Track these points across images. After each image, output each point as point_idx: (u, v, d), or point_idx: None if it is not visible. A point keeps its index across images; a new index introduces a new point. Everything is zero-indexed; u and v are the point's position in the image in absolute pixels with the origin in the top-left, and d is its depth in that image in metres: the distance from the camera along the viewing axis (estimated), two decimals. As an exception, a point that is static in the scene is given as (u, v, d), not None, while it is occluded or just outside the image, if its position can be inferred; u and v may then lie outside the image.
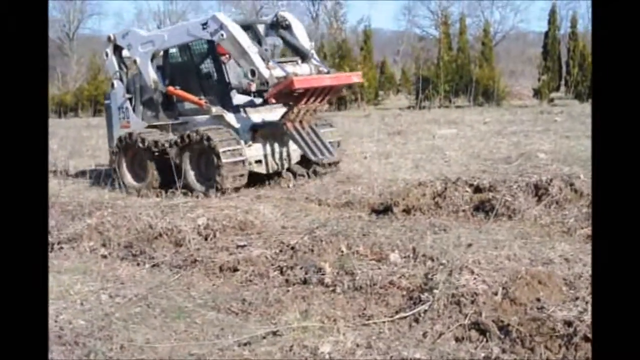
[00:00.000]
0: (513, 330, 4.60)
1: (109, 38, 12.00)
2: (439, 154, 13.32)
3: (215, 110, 10.68)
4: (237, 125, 10.62)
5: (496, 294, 5.11)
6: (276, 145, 10.87)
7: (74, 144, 17.42)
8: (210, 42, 10.73)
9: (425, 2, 60.14)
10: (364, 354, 4.57)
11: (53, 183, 11.10)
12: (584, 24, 33.48)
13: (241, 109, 10.83)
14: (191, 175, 10.51)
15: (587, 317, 4.47)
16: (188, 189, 10.33)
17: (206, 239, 7.44)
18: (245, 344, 4.86)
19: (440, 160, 12.57)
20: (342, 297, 5.64)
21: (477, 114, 21.85)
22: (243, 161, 10.21)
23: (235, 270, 6.47)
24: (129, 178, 11.28)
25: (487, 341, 4.63)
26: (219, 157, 9.98)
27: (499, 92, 26.65)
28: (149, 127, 11.35)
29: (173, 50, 11.48)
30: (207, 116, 10.81)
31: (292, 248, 6.71)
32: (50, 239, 7.78)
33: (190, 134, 10.34)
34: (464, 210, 8.10)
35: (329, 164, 10.98)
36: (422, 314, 5.05)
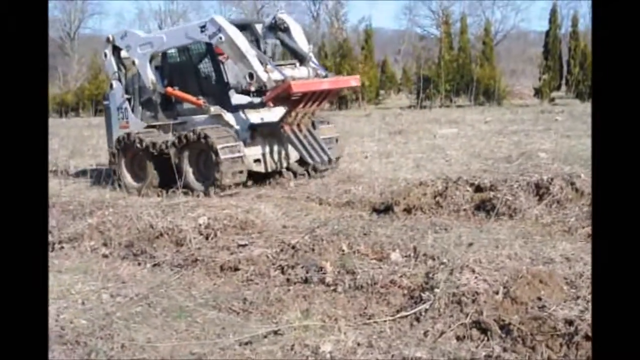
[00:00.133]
0: (514, 329, 4.59)
1: (107, 39, 12.03)
2: (439, 154, 13.32)
3: (214, 109, 10.70)
4: (235, 125, 10.63)
5: (497, 293, 5.11)
6: (275, 145, 10.88)
7: (75, 143, 17.43)
8: (209, 43, 10.74)
9: (426, 2, 60.10)
10: (365, 353, 4.57)
11: (54, 182, 11.11)
12: (585, 23, 33.46)
13: (240, 109, 10.84)
14: (190, 174, 10.51)
15: (588, 316, 4.47)
16: (188, 188, 10.33)
17: (207, 239, 7.44)
18: (246, 343, 4.86)
19: (441, 160, 12.58)
20: (343, 296, 5.64)
21: (478, 114, 21.87)
22: (242, 157, 10.22)
23: (236, 269, 6.47)
24: (128, 178, 11.29)
25: (488, 340, 4.62)
26: (217, 154, 9.99)
27: (500, 92, 26.68)
28: (148, 127, 11.36)
29: (172, 51, 11.50)
30: (205, 116, 10.83)
31: (293, 247, 6.71)
32: (51, 239, 7.79)
33: (188, 133, 10.35)
34: (464, 210, 8.10)
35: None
36: (423, 313, 5.05)
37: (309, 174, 11.04)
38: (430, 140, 15.70)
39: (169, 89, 11.24)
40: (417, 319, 5.03)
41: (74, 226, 8.11)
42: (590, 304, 4.69)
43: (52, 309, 5.62)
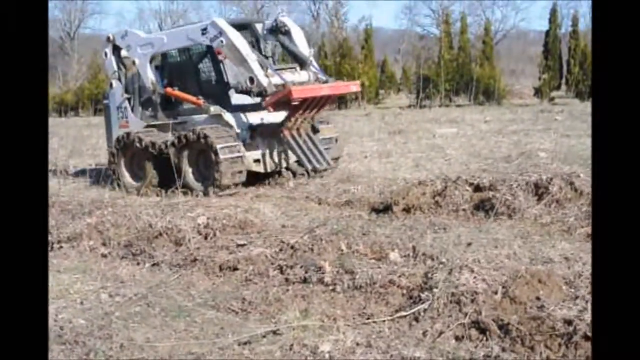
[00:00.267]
0: (513, 329, 4.59)
1: (108, 38, 12.02)
2: (439, 153, 13.32)
3: (214, 109, 10.70)
4: (235, 125, 10.62)
5: (496, 292, 5.11)
6: (274, 145, 10.87)
7: (75, 143, 17.44)
8: None
9: (427, 2, 60.10)
10: (364, 352, 4.57)
11: (53, 182, 11.10)
12: (585, 23, 33.49)
13: (239, 109, 10.83)
14: (190, 174, 10.51)
15: (587, 316, 4.47)
16: (187, 188, 10.32)
17: (206, 238, 7.43)
18: (245, 343, 4.86)
19: (441, 159, 12.58)
20: (342, 296, 5.64)
21: (477, 113, 21.87)
22: (241, 157, 10.22)
23: (235, 269, 6.47)
24: (127, 178, 11.28)
25: (487, 340, 4.62)
26: (216, 154, 9.99)
27: (500, 91, 26.70)
28: (148, 126, 11.36)
29: (172, 50, 11.49)
30: (205, 115, 10.83)
31: (292, 247, 6.71)
32: (50, 238, 7.78)
33: (188, 133, 10.34)
34: (464, 209, 8.10)
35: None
36: (422, 313, 5.05)
37: (308, 174, 11.04)
38: (430, 139, 15.70)
39: (169, 90, 11.25)
40: (416, 319, 5.03)
41: (73, 226, 8.10)
42: (589, 303, 4.69)
43: (51, 309, 5.61)
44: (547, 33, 27.94)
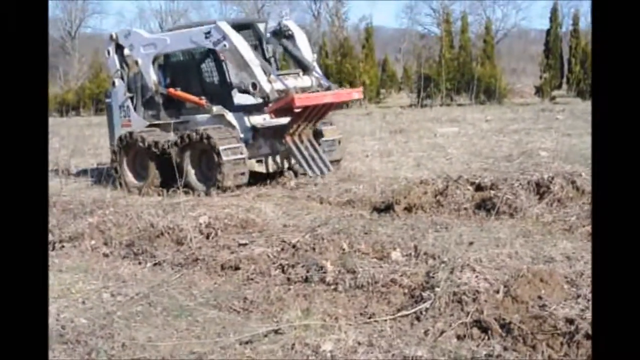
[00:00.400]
0: (515, 328, 4.59)
1: (111, 36, 11.98)
2: (440, 152, 13.32)
3: (216, 109, 10.70)
4: (238, 125, 10.62)
5: (498, 291, 5.11)
6: (277, 145, 10.86)
7: (76, 142, 17.43)
8: None
9: (427, 1, 60.02)
10: (366, 352, 4.57)
11: (55, 182, 11.10)
12: (586, 22, 33.46)
13: (242, 109, 10.83)
14: (192, 174, 10.50)
15: (589, 315, 4.46)
16: (189, 188, 10.32)
17: (208, 238, 7.44)
18: (246, 343, 4.86)
19: (442, 159, 12.58)
20: (343, 295, 5.64)
21: (478, 112, 21.86)
22: (244, 159, 10.22)
23: (237, 268, 6.47)
24: (130, 177, 11.28)
25: (488, 339, 4.62)
26: (219, 155, 9.99)
27: (501, 90, 26.67)
28: (150, 125, 11.35)
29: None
30: (208, 115, 10.83)
31: (294, 246, 6.71)
32: (51, 238, 7.79)
33: (191, 133, 10.34)
34: (465, 209, 8.10)
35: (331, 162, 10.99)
36: (424, 312, 5.05)
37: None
38: (431, 139, 15.70)
39: (171, 90, 11.24)
40: (418, 318, 5.03)
41: (74, 225, 8.11)
42: (591, 302, 4.68)
43: (52, 308, 5.63)
44: (548, 32, 27.90)
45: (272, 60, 11.37)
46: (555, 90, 27.63)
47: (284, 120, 10.46)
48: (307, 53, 10.97)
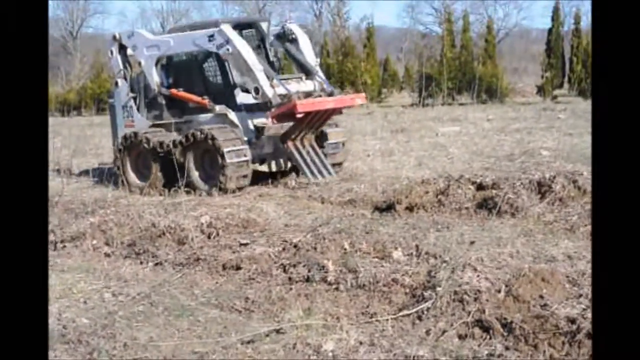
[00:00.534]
0: (516, 327, 4.59)
1: (114, 37, 11.96)
2: (442, 152, 13.32)
3: (219, 109, 10.69)
4: (240, 124, 10.61)
5: (499, 291, 5.11)
6: (280, 144, 10.85)
7: (78, 142, 17.44)
8: None
9: (429, 0, 60.02)
10: (367, 351, 4.57)
11: (56, 182, 11.10)
12: (588, 21, 33.40)
13: (245, 108, 10.83)
14: (195, 174, 10.50)
15: (590, 314, 4.46)
16: (192, 187, 10.32)
17: (209, 237, 7.44)
18: (248, 342, 4.86)
19: (443, 158, 12.58)
20: (345, 294, 5.64)
21: (480, 112, 21.86)
22: (247, 162, 10.22)
23: (238, 268, 6.47)
24: (133, 177, 11.27)
25: (490, 338, 4.62)
26: (223, 157, 9.98)
27: (502, 90, 26.65)
28: (153, 126, 11.35)
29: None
30: (211, 115, 10.82)
31: (295, 246, 6.71)
32: (53, 238, 7.80)
33: (195, 132, 10.31)
34: (466, 208, 8.09)
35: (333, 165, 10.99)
36: (425, 312, 5.05)
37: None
38: (433, 138, 15.70)
39: (174, 91, 11.23)
40: (419, 318, 5.03)
41: (76, 225, 8.11)
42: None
43: (54, 308, 5.64)
44: (550, 31, 27.89)
45: (274, 60, 11.37)
46: (557, 90, 27.60)
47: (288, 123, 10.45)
48: (311, 57, 10.97)
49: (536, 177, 8.25)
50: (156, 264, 6.95)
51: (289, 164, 11.07)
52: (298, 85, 10.43)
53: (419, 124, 18.58)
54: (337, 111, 10.80)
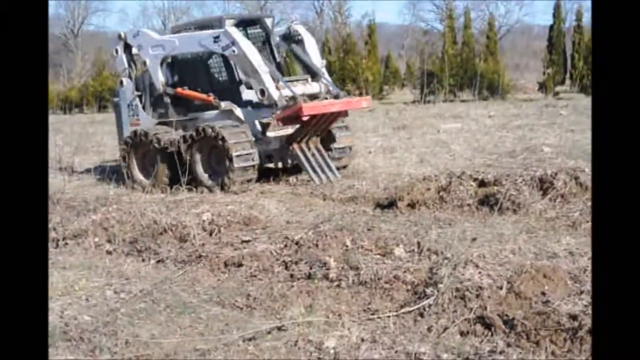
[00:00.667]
0: (518, 324, 4.59)
1: (119, 36, 11.95)
2: (443, 148, 13.30)
3: (225, 105, 10.66)
4: (246, 120, 10.58)
5: (501, 288, 5.11)
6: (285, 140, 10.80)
7: (79, 140, 17.43)
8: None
9: (430, -3, 59.96)
10: (369, 348, 4.57)
11: (58, 179, 11.10)
12: (589, 18, 33.33)
13: (251, 104, 10.79)
14: (201, 170, 10.48)
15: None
16: (199, 185, 10.32)
17: (211, 235, 7.44)
18: (250, 339, 4.87)
19: (445, 155, 12.56)
20: (346, 291, 5.64)
21: (481, 108, 21.82)
22: (254, 166, 10.19)
23: (240, 265, 6.47)
24: (139, 175, 11.24)
25: (492, 335, 4.62)
26: (231, 161, 9.95)
27: (504, 86, 26.59)
28: (159, 124, 11.31)
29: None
30: (216, 111, 10.80)
31: (297, 243, 6.71)
32: (55, 235, 7.81)
33: (206, 128, 10.23)
34: (468, 205, 8.08)
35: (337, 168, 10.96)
36: (427, 308, 5.05)
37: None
38: (434, 135, 15.67)
39: (179, 90, 11.20)
40: (421, 314, 5.03)
41: (78, 223, 8.11)
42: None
43: (56, 306, 5.65)
44: (551, 27, 27.82)
45: (278, 57, 11.35)
46: (559, 86, 27.54)
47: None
48: (316, 59, 10.92)
49: (538, 173, 8.23)
50: (158, 261, 6.95)
51: (295, 161, 11.03)
52: (304, 87, 10.40)
53: (420, 121, 18.55)
54: (343, 113, 10.76)
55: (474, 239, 6.56)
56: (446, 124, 17.55)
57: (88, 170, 12.88)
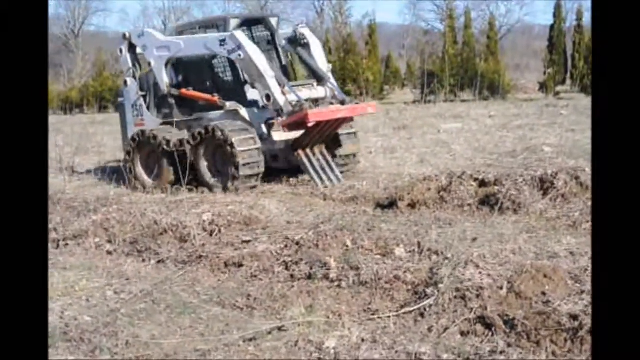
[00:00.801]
0: (518, 324, 4.59)
1: (124, 35, 11.91)
2: (444, 148, 13.30)
3: (230, 105, 10.64)
4: (252, 120, 10.56)
5: (501, 288, 5.10)
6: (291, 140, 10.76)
7: (80, 140, 17.43)
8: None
9: (431, -3, 59.93)
10: (369, 348, 4.57)
11: (59, 180, 11.10)
12: (590, 17, 33.33)
13: (256, 104, 10.76)
14: (207, 170, 10.47)
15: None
16: (204, 185, 10.31)
17: (211, 235, 7.44)
18: (250, 340, 4.87)
19: (446, 155, 12.56)
20: (347, 292, 5.64)
21: (482, 108, 21.81)
22: (259, 174, 10.17)
23: (240, 265, 6.47)
24: (143, 176, 11.23)
25: (492, 335, 4.62)
26: (237, 168, 9.92)
27: (505, 86, 26.60)
28: (164, 124, 11.29)
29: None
30: (221, 111, 10.77)
31: (297, 243, 6.71)
32: (56, 236, 7.82)
33: (216, 130, 10.15)
34: (469, 205, 8.08)
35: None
36: (428, 309, 5.05)
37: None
38: (435, 135, 15.67)
39: (184, 91, 11.18)
40: (422, 315, 5.03)
41: (78, 223, 8.11)
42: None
43: (56, 306, 5.65)
44: (552, 27, 27.82)
45: (284, 59, 11.33)
46: (559, 86, 27.54)
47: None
48: (323, 63, 10.87)
49: (538, 173, 8.23)
50: (158, 262, 6.95)
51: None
52: (309, 92, 10.36)
53: (421, 121, 18.56)
54: (349, 119, 10.73)
55: (474, 239, 6.55)
56: (447, 124, 17.55)
57: (89, 171, 12.88)
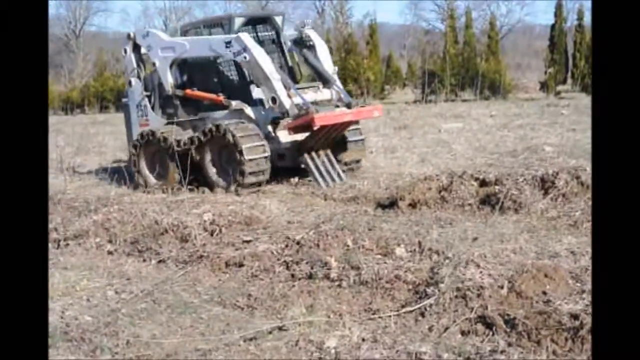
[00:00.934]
0: (519, 323, 4.58)
1: (128, 36, 11.90)
2: (445, 148, 13.30)
3: (235, 104, 10.63)
4: (257, 119, 10.56)
5: (502, 287, 5.10)
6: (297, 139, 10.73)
7: (81, 140, 17.45)
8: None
9: (432, -3, 59.94)
10: (370, 348, 4.57)
11: (59, 180, 11.11)
12: (591, 17, 33.28)
13: (261, 102, 10.75)
14: (212, 170, 10.47)
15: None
16: (207, 181, 10.30)
17: (212, 235, 7.44)
18: (251, 339, 4.86)
19: (446, 154, 12.56)
20: (347, 291, 5.64)
21: (483, 108, 21.82)
22: (264, 181, 10.16)
23: (241, 265, 6.47)
24: (149, 176, 11.22)
25: (493, 335, 4.61)
26: (243, 176, 9.92)
27: (505, 86, 26.59)
28: (168, 124, 11.28)
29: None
30: (226, 111, 10.76)
31: (298, 243, 6.70)
32: (56, 236, 7.82)
33: (227, 132, 10.09)
34: (469, 204, 8.08)
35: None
36: (428, 308, 5.04)
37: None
38: (435, 134, 15.68)
39: (188, 91, 11.18)
40: (422, 314, 5.03)
41: (79, 223, 8.12)
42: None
43: (57, 306, 5.65)
44: (553, 27, 27.81)
45: (290, 60, 11.32)
46: (560, 85, 27.53)
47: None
48: (328, 65, 10.86)
49: (539, 173, 8.23)
50: (159, 262, 6.96)
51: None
52: (315, 95, 10.35)
53: (421, 121, 18.56)
54: (354, 122, 10.72)
55: (475, 239, 6.56)
56: (447, 124, 17.54)
57: (89, 171, 12.89)
